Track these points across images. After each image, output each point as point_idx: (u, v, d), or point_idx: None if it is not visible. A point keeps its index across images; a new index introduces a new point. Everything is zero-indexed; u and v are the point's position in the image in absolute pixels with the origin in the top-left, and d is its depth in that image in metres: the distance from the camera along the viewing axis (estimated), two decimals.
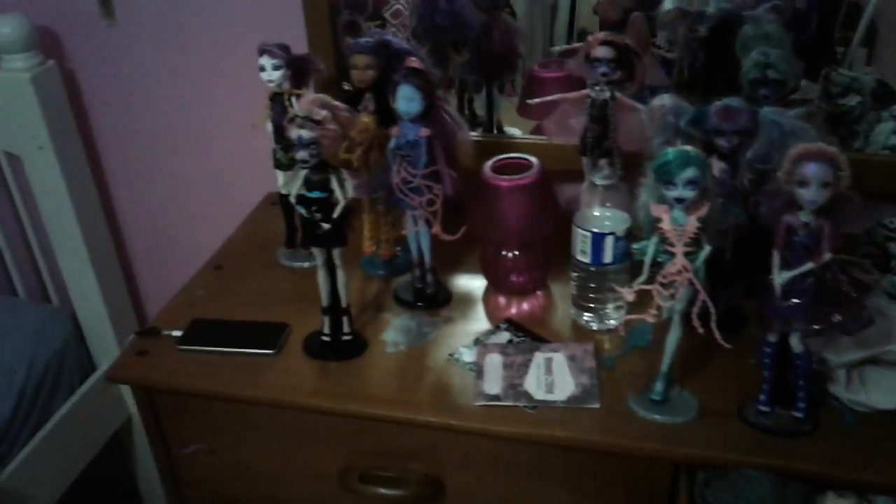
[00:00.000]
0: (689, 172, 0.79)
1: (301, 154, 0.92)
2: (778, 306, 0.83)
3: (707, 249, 0.83)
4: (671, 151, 0.80)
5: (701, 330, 0.85)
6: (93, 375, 1.73)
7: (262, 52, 1.11)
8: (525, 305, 1.15)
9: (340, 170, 0.97)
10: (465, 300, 1.17)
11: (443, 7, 1.29)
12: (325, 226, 0.97)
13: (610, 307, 1.07)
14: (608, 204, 1.02)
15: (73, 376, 1.70)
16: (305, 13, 1.29)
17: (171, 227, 1.66)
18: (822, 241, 0.79)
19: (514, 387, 0.98)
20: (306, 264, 1.24)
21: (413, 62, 1.01)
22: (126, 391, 1.78)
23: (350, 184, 0.97)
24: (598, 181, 1.01)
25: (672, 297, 0.85)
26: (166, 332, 1.10)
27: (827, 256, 0.79)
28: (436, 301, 1.15)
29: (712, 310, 0.84)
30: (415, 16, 1.33)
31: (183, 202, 1.62)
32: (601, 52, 1.04)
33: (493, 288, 1.18)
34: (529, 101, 1.23)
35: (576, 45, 1.35)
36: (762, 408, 0.91)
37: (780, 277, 0.82)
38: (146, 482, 1.96)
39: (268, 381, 1.03)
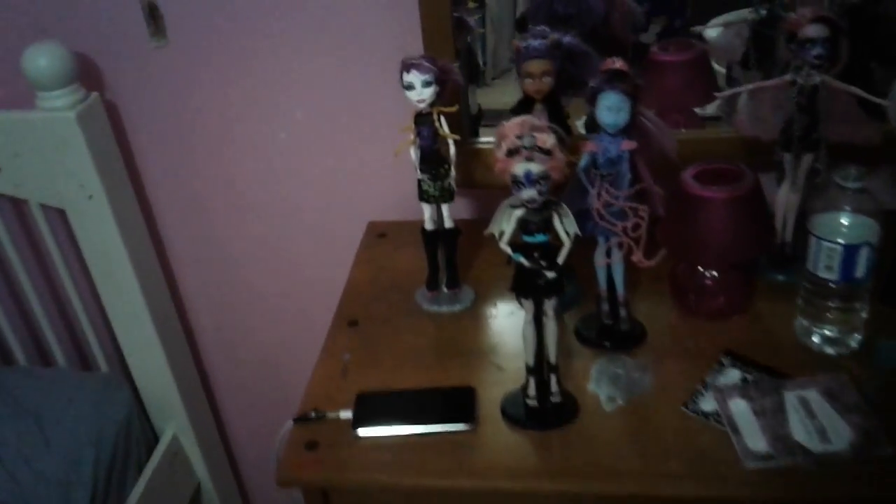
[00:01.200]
0: None
1: (529, 193, 0.75)
2: None
3: None
4: None
5: None
6: (159, 445, 1.52)
7: (410, 66, 0.92)
8: (736, 332, 0.99)
9: (562, 204, 0.79)
10: (660, 332, 1.01)
11: None
12: (550, 274, 0.79)
13: (854, 327, 0.93)
14: (859, 213, 0.87)
15: (140, 448, 1.49)
16: (422, 10, 1.09)
17: (236, 268, 1.45)
18: None
19: (781, 439, 0.83)
20: (456, 308, 1.07)
21: (616, 63, 0.84)
22: (196, 457, 1.58)
23: (572, 219, 0.79)
24: (848, 184, 0.86)
25: None
26: (332, 415, 0.92)
27: None
28: (630, 339, 0.99)
29: None
30: (532, 5, 1.16)
31: (253, 242, 1.42)
32: (814, 30, 0.90)
33: (687, 313, 1.02)
34: (717, 95, 1.07)
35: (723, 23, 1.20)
36: None
37: None
38: None
39: (475, 463, 0.85)
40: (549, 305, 0.83)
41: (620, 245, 0.91)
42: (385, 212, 1.28)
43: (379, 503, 0.91)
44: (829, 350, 0.94)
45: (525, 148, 0.73)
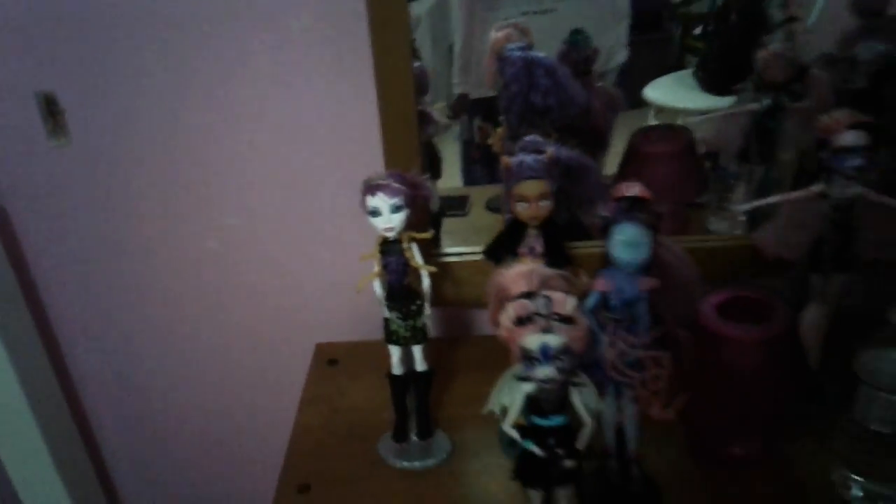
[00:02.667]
0: None
1: (546, 372, 0.58)
2: None
3: None
4: None
5: None
6: None
7: (374, 189, 0.75)
8: (762, 483, 0.84)
9: (579, 373, 0.63)
10: (675, 488, 0.85)
11: (543, 84, 0.99)
12: (569, 463, 0.63)
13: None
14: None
15: None
16: (381, 106, 0.92)
17: (159, 409, 1.24)
18: None
19: None
20: (431, 462, 0.89)
21: (634, 188, 0.69)
22: None
23: (593, 391, 0.63)
24: None
25: None
26: None
27: None
28: (644, 501, 0.83)
29: None
30: (504, 96, 1.02)
31: (175, 375, 1.20)
32: (853, 138, 0.77)
33: (704, 463, 0.87)
34: (739, 208, 0.93)
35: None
36: None
37: None
38: None
39: None
40: (563, 496, 0.67)
41: (636, 399, 0.76)
42: (336, 331, 1.10)
43: None
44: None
45: (542, 316, 0.57)
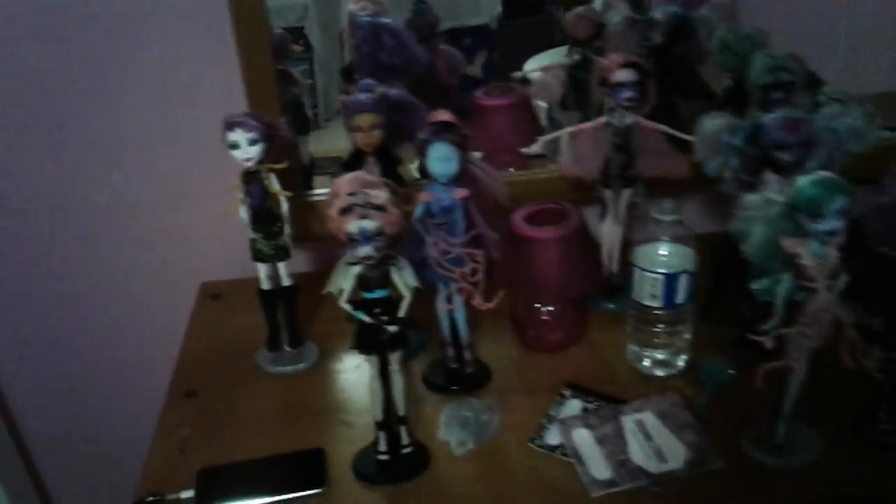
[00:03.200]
0: (839, 202, 0.72)
1: (365, 250, 0.74)
2: None
3: (844, 278, 0.77)
4: (812, 181, 0.73)
5: (851, 365, 0.79)
6: None
7: (233, 125, 0.90)
8: (575, 364, 1.03)
9: (398, 257, 0.79)
10: (506, 370, 1.03)
11: (388, 44, 1.15)
12: (393, 329, 0.79)
13: (680, 349, 0.99)
14: (677, 243, 0.93)
15: None
16: (243, 66, 1.07)
17: (63, 348, 1.34)
18: None
19: (623, 464, 0.86)
20: (300, 366, 1.05)
21: (443, 115, 0.86)
22: None
23: (410, 271, 0.80)
24: (664, 217, 0.92)
25: (821, 336, 0.78)
26: (172, 497, 0.86)
27: None
28: (476, 381, 1.01)
29: (859, 342, 0.78)
30: (356, 54, 1.17)
31: (76, 315, 1.31)
32: (624, 75, 0.96)
33: (529, 349, 1.05)
34: (541, 139, 1.10)
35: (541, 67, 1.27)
36: (884, 426, 0.87)
37: None
38: None
39: None
40: (395, 359, 0.83)
41: (461, 291, 0.93)
42: (218, 271, 1.23)
43: None
44: (659, 372, 0.99)
45: (358, 205, 0.73)
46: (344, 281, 0.78)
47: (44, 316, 1.30)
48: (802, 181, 0.73)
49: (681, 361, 0.99)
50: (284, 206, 0.96)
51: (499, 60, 1.31)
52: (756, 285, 0.80)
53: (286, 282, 1.00)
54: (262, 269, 0.99)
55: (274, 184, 0.94)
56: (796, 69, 0.98)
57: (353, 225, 0.73)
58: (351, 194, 0.74)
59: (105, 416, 1.40)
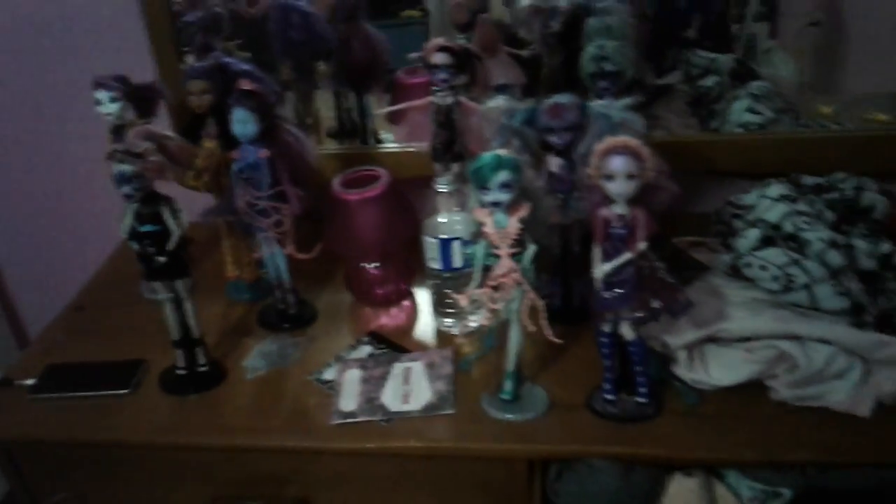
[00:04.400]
0: (502, 176, 0.80)
1: (125, 189, 0.90)
2: (603, 297, 0.84)
3: (532, 248, 0.84)
4: (484, 156, 0.81)
5: (533, 328, 0.86)
6: None
7: (97, 85, 1.09)
8: (390, 317, 1.15)
9: (172, 199, 0.95)
10: (332, 317, 1.16)
11: (296, 22, 1.30)
12: (161, 259, 0.95)
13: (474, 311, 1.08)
14: (455, 210, 1.03)
15: None
16: (151, 39, 1.26)
17: (29, 283, 1.61)
18: (636, 230, 0.81)
19: (370, 401, 0.98)
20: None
21: (244, 84, 1.00)
22: None
23: (183, 213, 0.95)
24: (444, 187, 1.01)
25: (503, 300, 0.85)
26: (19, 382, 1.07)
27: (642, 245, 0.81)
28: (301, 321, 1.15)
29: (541, 307, 0.85)
30: (272, 36, 1.33)
31: (39, 255, 1.58)
32: (438, 58, 1.05)
33: (359, 302, 1.17)
34: (380, 111, 1.23)
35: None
36: (607, 396, 0.92)
37: (600, 270, 0.83)
38: None
39: (123, 421, 1.00)
40: (181, 287, 0.99)
41: (277, 240, 1.07)
42: None
43: (54, 455, 1.06)
44: (455, 330, 1.09)
45: (118, 152, 0.89)
46: (126, 216, 0.94)
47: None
48: (477, 157, 0.82)
49: (472, 321, 1.08)
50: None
51: None
52: (467, 250, 0.89)
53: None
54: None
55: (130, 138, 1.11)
56: (623, 61, 1.03)
57: (114, 168, 0.89)
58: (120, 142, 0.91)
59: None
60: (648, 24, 1.27)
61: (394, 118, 1.35)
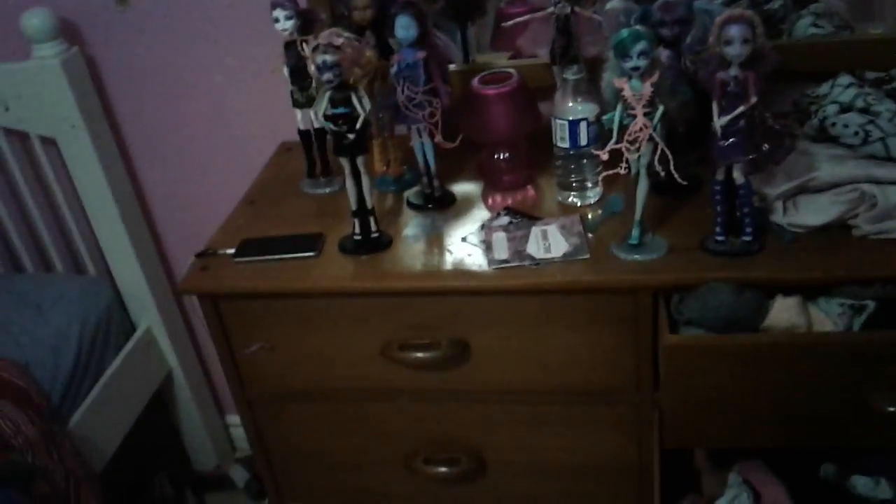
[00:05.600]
0: (641, 45, 1.01)
1: (326, 75, 1.13)
2: (720, 146, 1.05)
3: (661, 109, 1.05)
4: (624, 31, 1.02)
5: (663, 173, 1.07)
6: (135, 334, 1.92)
7: (275, 5, 1.31)
8: (519, 197, 1.36)
9: (359, 88, 1.17)
10: (469, 200, 1.38)
11: None
12: (351, 136, 1.17)
13: (589, 184, 1.29)
14: (579, 99, 1.24)
15: (119, 336, 1.89)
16: None
17: (192, 188, 1.85)
18: (749, 88, 1.01)
19: (518, 252, 1.19)
20: (328, 190, 1.45)
21: None
22: (167, 348, 1.98)
23: (367, 100, 1.17)
24: (569, 76, 1.23)
25: (638, 150, 1.06)
26: (221, 252, 1.30)
27: (754, 99, 1.02)
28: (444, 203, 1.36)
29: (669, 156, 1.06)
30: None
31: (203, 162, 1.81)
32: None
33: (490, 188, 1.39)
34: (504, 25, 1.44)
35: None
36: (718, 237, 1.13)
37: (719, 122, 1.04)
38: (191, 437, 2.15)
39: (314, 276, 1.23)
40: (360, 162, 1.21)
41: (428, 131, 1.29)
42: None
43: (252, 308, 1.29)
44: (577, 202, 1.30)
45: (322, 45, 1.11)
46: (320, 100, 1.17)
47: (181, 151, 1.82)
48: (619, 32, 1.03)
49: (592, 194, 1.29)
50: (311, 68, 1.35)
51: None
52: (605, 117, 1.10)
53: (317, 124, 1.41)
54: (299, 114, 1.40)
55: (307, 50, 1.33)
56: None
57: (318, 58, 1.12)
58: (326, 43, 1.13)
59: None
60: None
61: (503, 42, 1.58)
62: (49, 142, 1.76)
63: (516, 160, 1.36)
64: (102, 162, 1.73)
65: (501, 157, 1.36)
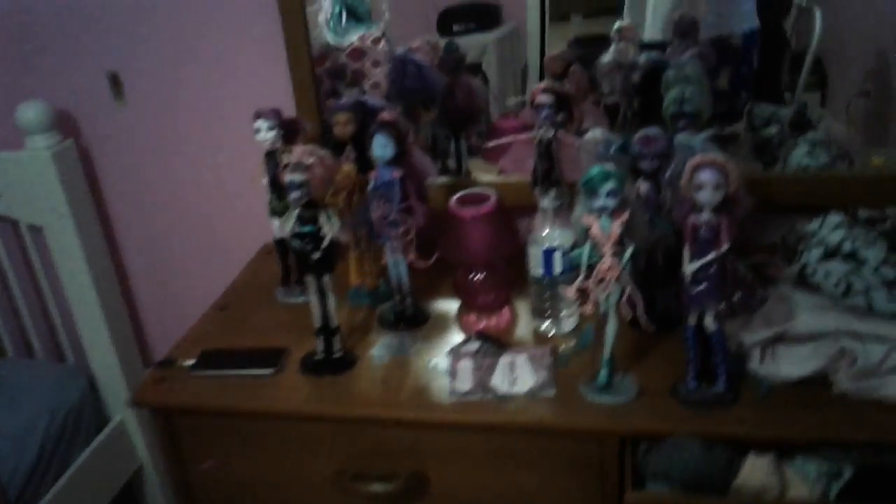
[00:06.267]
0: (609, 185, 0.98)
1: (294, 195, 1.11)
2: (691, 292, 1.00)
3: (630, 248, 1.01)
4: (594, 169, 0.99)
5: (628, 317, 1.02)
6: (107, 427, 1.87)
7: (258, 116, 1.31)
8: (493, 321, 1.31)
9: (328, 207, 1.15)
10: (442, 320, 1.34)
11: (412, 72, 1.51)
12: (316, 255, 1.15)
13: (564, 314, 1.25)
14: (557, 226, 1.20)
15: (90, 428, 1.84)
16: (293, 84, 1.49)
17: (177, 282, 1.83)
18: (721, 233, 0.97)
19: (482, 384, 1.14)
20: (300, 299, 1.41)
21: (385, 116, 1.21)
22: (138, 441, 1.92)
23: (336, 219, 1.15)
24: (547, 204, 1.20)
25: (605, 291, 1.02)
26: (181, 363, 1.26)
27: (725, 246, 0.97)
28: (416, 321, 1.32)
29: (638, 299, 1.02)
30: (388, 81, 1.55)
31: (188, 258, 1.80)
32: (543, 98, 1.25)
33: (465, 308, 1.35)
34: (487, 145, 1.42)
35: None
36: (691, 384, 1.07)
37: (689, 267, 0.99)
38: None
39: (269, 395, 1.19)
40: (326, 280, 1.18)
41: (401, 249, 1.26)
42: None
43: (207, 425, 1.24)
44: (551, 332, 1.25)
45: (292, 164, 1.10)
46: (288, 218, 1.14)
47: (166, 248, 1.81)
48: (588, 171, 1.00)
49: (566, 325, 1.25)
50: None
51: None
52: (573, 253, 1.06)
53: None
54: (275, 223, 1.38)
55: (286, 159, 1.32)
56: (700, 103, 1.22)
57: (287, 177, 1.10)
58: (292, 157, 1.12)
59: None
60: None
61: (491, 155, 1.57)
62: (37, 229, 1.75)
63: (493, 281, 1.32)
64: (86, 250, 1.72)
65: (477, 277, 1.32)
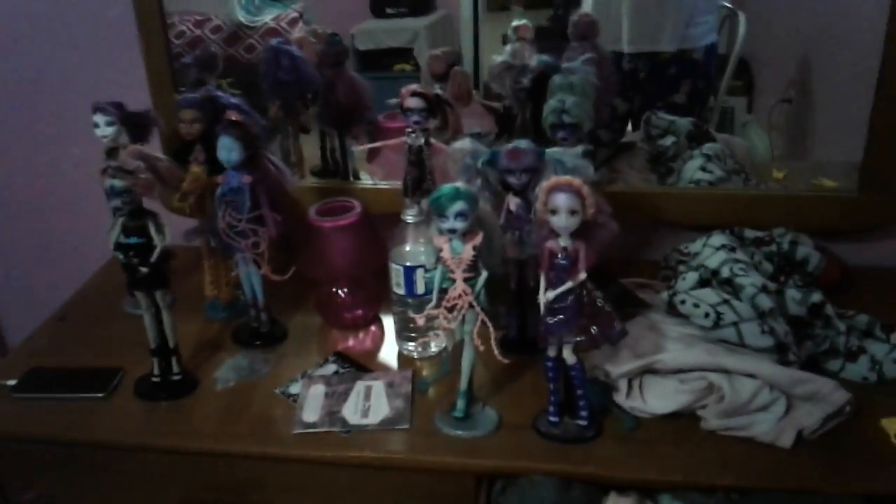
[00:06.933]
0: (458, 206, 0.88)
1: (114, 202, 0.98)
2: (547, 323, 0.92)
3: (485, 275, 0.92)
4: (443, 188, 0.89)
5: (482, 348, 0.93)
6: None
7: (95, 109, 1.17)
8: (356, 340, 1.21)
9: (157, 215, 1.02)
10: (302, 337, 1.23)
11: (285, 64, 1.38)
12: (144, 270, 1.02)
13: (429, 335, 1.15)
14: (420, 242, 1.10)
15: None
16: (147, 74, 1.36)
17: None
18: (577, 262, 0.89)
19: (331, 414, 1.04)
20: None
21: (231, 115, 1.09)
22: None
23: (167, 229, 1.03)
24: (408, 219, 1.10)
25: (456, 320, 0.93)
26: (1, 382, 1.13)
27: (582, 276, 0.89)
28: (271, 339, 1.21)
29: (491, 330, 0.93)
30: (261, 73, 1.42)
31: (33, 269, 1.65)
32: (412, 102, 1.14)
33: (328, 325, 1.24)
34: (357, 148, 1.32)
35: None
36: (551, 418, 0.99)
37: (544, 297, 0.91)
38: None
39: (97, 423, 1.06)
40: (160, 298, 1.06)
41: (253, 261, 1.14)
42: None
43: (30, 453, 1.11)
44: (416, 354, 1.16)
45: (111, 168, 0.97)
46: (113, 228, 1.02)
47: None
48: (437, 189, 0.90)
49: (431, 347, 1.15)
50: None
51: None
52: (427, 275, 0.96)
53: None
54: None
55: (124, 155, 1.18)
56: (581, 115, 1.12)
57: (106, 182, 0.97)
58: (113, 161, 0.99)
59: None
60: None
61: (370, 157, 1.46)
62: None
63: (359, 297, 1.23)
64: None
65: (342, 291, 1.22)
